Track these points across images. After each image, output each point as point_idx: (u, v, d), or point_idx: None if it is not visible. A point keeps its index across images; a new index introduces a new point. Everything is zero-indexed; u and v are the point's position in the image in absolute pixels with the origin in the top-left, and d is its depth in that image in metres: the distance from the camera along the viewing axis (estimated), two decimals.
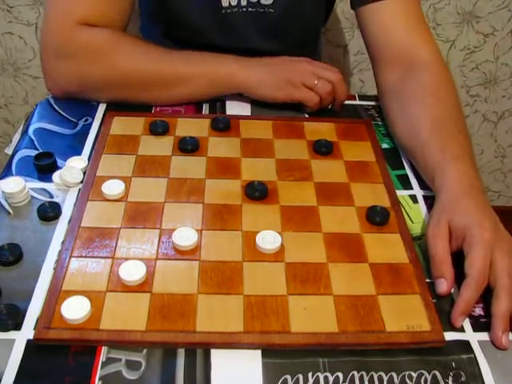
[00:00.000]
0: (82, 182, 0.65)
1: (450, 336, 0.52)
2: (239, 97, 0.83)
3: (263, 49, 0.87)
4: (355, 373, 0.48)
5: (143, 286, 0.53)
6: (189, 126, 0.75)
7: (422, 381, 0.48)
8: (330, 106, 0.80)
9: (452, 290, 0.55)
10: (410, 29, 0.78)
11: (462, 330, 0.53)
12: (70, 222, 0.60)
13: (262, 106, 0.80)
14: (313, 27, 0.93)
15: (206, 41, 0.86)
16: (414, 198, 0.67)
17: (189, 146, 0.70)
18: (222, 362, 0.49)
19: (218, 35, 0.85)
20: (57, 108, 0.78)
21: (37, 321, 0.50)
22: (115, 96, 0.78)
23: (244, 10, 0.83)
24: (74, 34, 0.73)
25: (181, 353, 0.49)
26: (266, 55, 0.81)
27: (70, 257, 0.56)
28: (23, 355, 0.48)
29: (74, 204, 0.63)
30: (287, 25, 0.86)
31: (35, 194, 0.64)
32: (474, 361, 0.50)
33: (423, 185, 0.68)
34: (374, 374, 0.48)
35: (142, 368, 0.48)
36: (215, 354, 0.49)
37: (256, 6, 0.83)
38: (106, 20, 0.75)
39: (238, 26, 0.84)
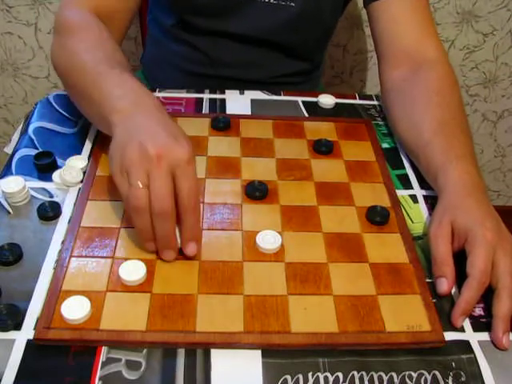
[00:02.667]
0: (82, 181, 0.65)
1: (450, 336, 0.52)
2: (239, 96, 0.83)
3: (278, 41, 0.88)
4: (355, 373, 0.48)
5: (143, 286, 0.53)
6: (189, 126, 0.75)
7: (422, 381, 0.48)
8: (172, 256, 0.56)
9: (452, 291, 0.55)
10: (419, 27, 0.78)
11: (462, 330, 0.53)
12: (69, 221, 0.60)
13: (262, 105, 0.80)
14: (330, 24, 0.93)
15: (222, 28, 0.86)
16: (414, 198, 0.67)
17: None
18: (221, 361, 0.49)
19: (235, 23, 0.85)
20: (57, 107, 0.78)
21: (37, 321, 0.50)
22: (64, 84, 0.73)
23: (266, 1, 0.83)
24: (63, 12, 0.75)
25: (181, 353, 0.49)
26: (280, 47, 0.82)
27: (70, 256, 0.56)
28: (23, 355, 0.48)
29: (74, 204, 0.62)
30: (306, 20, 0.86)
31: (35, 194, 0.64)
32: (474, 361, 0.50)
33: (423, 184, 0.69)
34: (373, 374, 0.48)
35: (142, 368, 0.48)
36: (215, 354, 0.49)
37: None
38: (109, 15, 0.76)
39: (258, 16, 0.84)
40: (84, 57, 0.66)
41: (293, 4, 0.83)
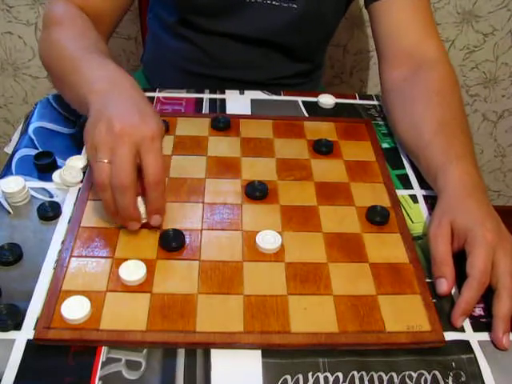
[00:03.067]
0: (81, 181, 0.65)
1: (450, 336, 0.52)
2: (239, 96, 0.83)
3: (279, 42, 0.88)
4: (355, 373, 0.48)
5: (143, 286, 0.53)
6: (189, 126, 0.75)
7: (422, 381, 0.48)
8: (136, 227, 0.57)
9: (452, 291, 0.55)
10: (420, 28, 0.78)
11: (462, 330, 0.53)
12: (69, 221, 0.60)
13: (262, 105, 0.80)
14: (332, 25, 0.93)
15: (223, 28, 0.86)
16: (414, 198, 0.67)
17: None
18: (221, 361, 0.49)
19: (237, 24, 0.86)
20: (57, 107, 0.78)
21: (37, 321, 0.50)
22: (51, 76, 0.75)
23: (268, 2, 0.83)
24: (51, 6, 0.77)
25: (181, 353, 0.49)
26: (281, 48, 0.83)
27: (70, 256, 0.56)
28: (23, 355, 0.48)
29: (74, 203, 0.62)
30: (308, 21, 0.86)
31: (35, 194, 0.64)
32: (474, 361, 0.50)
33: (423, 184, 0.68)
34: (373, 374, 0.48)
35: (142, 368, 0.48)
36: (215, 354, 0.49)
37: (280, 0, 0.83)
38: (96, 11, 0.78)
39: (259, 17, 0.84)
40: (66, 45, 0.69)
41: (295, 5, 0.83)
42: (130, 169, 0.53)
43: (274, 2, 0.83)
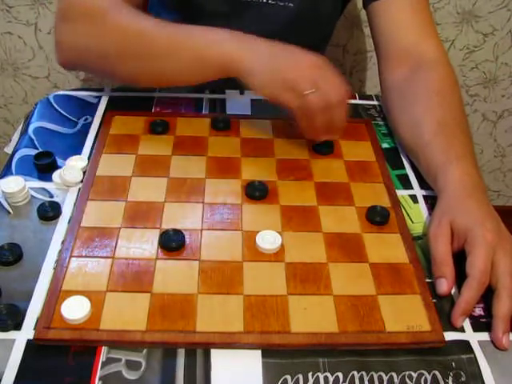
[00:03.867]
0: (81, 181, 0.65)
1: (450, 336, 0.52)
2: (239, 96, 0.83)
3: (279, 42, 0.87)
4: (355, 373, 0.48)
5: (143, 286, 0.53)
6: (189, 126, 0.75)
7: (422, 381, 0.48)
8: (322, 139, 0.69)
9: (452, 291, 0.55)
10: (419, 27, 0.78)
11: (462, 330, 0.53)
12: (69, 221, 0.60)
13: (262, 105, 0.80)
14: (328, 26, 0.93)
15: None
16: (414, 198, 0.67)
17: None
18: (222, 361, 0.49)
19: (234, 25, 0.85)
20: (57, 107, 0.78)
21: (37, 321, 0.50)
22: (104, 65, 0.73)
23: (264, 1, 0.83)
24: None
25: (181, 353, 0.49)
26: None
27: (70, 256, 0.56)
28: (23, 355, 0.48)
29: (74, 203, 0.62)
30: (305, 21, 0.86)
31: (35, 194, 0.64)
32: (474, 361, 0.50)
33: (423, 185, 0.68)
34: (373, 374, 0.48)
35: (142, 368, 0.48)
36: (215, 354, 0.49)
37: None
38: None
39: (257, 16, 0.84)
40: (144, 23, 0.69)
41: (291, 4, 0.83)
42: (339, 84, 0.64)
43: (270, 1, 0.83)
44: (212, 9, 0.84)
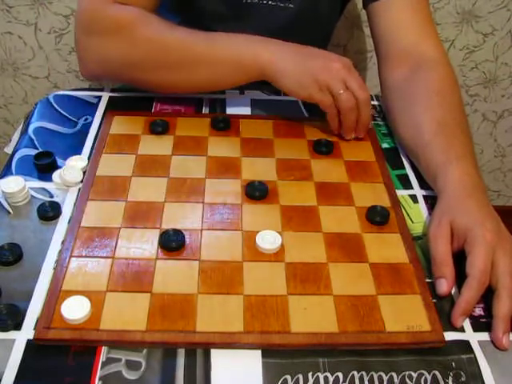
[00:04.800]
0: (81, 181, 0.65)
1: (450, 336, 0.52)
2: (239, 96, 0.83)
3: None
4: (355, 373, 0.48)
5: (143, 286, 0.53)
6: (189, 126, 0.75)
7: (422, 381, 0.48)
8: (352, 136, 0.74)
9: (452, 291, 0.55)
10: (419, 27, 0.78)
11: (462, 330, 0.53)
12: (69, 221, 0.60)
13: (262, 105, 0.80)
14: (328, 26, 0.93)
15: (223, 31, 0.86)
16: (414, 198, 0.67)
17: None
18: (222, 361, 0.49)
19: (236, 26, 0.85)
20: (57, 107, 0.78)
21: (37, 321, 0.50)
22: (139, 77, 0.75)
23: (264, 2, 0.83)
24: (102, 10, 0.72)
25: (181, 353, 0.49)
26: None
27: (70, 256, 0.56)
28: (23, 355, 0.48)
29: (74, 204, 0.62)
30: (305, 21, 0.86)
31: (35, 194, 0.64)
32: (474, 361, 0.50)
33: (423, 185, 0.68)
34: (373, 374, 0.48)
35: (142, 368, 0.48)
36: (215, 354, 0.49)
37: (276, 0, 0.83)
38: (137, 1, 0.74)
39: (258, 18, 0.84)
40: (177, 34, 0.72)
41: (291, 5, 0.83)
42: (364, 84, 0.70)
43: (270, 2, 0.83)
44: (212, 10, 0.84)
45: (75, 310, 0.50)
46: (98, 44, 0.74)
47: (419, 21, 0.78)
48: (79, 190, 0.64)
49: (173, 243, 0.57)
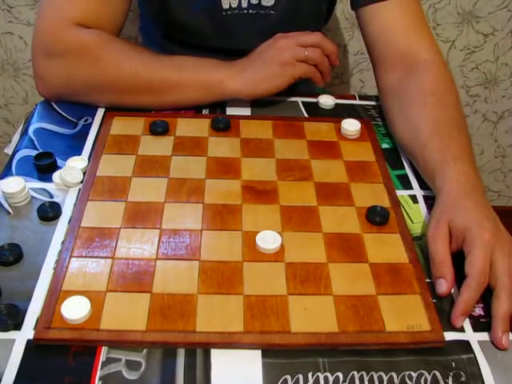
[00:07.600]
0: (82, 182, 0.65)
1: (449, 336, 0.52)
2: None
3: None
4: (355, 373, 0.48)
5: (143, 286, 0.53)
6: (189, 126, 0.75)
7: (422, 381, 0.48)
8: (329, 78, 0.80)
9: (452, 291, 0.55)
10: (411, 29, 0.78)
11: (462, 330, 0.53)
12: (70, 221, 0.60)
13: (261, 105, 0.80)
14: (315, 27, 0.93)
15: (206, 43, 0.85)
16: (414, 198, 0.67)
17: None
18: (222, 361, 0.49)
19: (218, 37, 0.85)
20: (57, 108, 0.78)
21: (37, 321, 0.50)
22: (105, 100, 0.77)
23: (245, 11, 0.82)
24: (63, 33, 0.73)
25: (181, 353, 0.49)
26: None
27: (70, 257, 0.56)
28: (23, 355, 0.48)
29: (74, 204, 0.63)
30: (287, 26, 0.85)
31: (35, 194, 0.64)
32: (474, 361, 0.50)
33: (423, 185, 0.68)
34: (373, 374, 0.48)
35: (142, 368, 0.48)
36: (215, 354, 0.49)
37: (257, 8, 0.82)
38: (98, 22, 0.75)
39: (239, 28, 0.84)
40: (142, 58, 0.74)
41: (273, 11, 0.83)
42: (310, 33, 0.76)
43: (251, 11, 0.83)
44: (195, 23, 0.83)
45: (75, 310, 0.50)
46: (61, 65, 0.74)
47: (411, 23, 0.78)
48: (79, 190, 0.64)
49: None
